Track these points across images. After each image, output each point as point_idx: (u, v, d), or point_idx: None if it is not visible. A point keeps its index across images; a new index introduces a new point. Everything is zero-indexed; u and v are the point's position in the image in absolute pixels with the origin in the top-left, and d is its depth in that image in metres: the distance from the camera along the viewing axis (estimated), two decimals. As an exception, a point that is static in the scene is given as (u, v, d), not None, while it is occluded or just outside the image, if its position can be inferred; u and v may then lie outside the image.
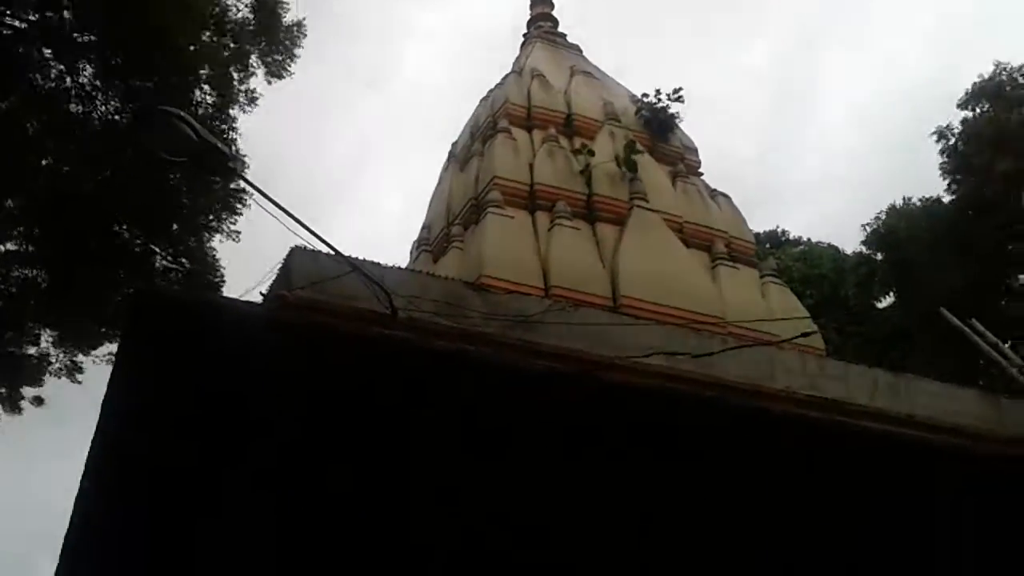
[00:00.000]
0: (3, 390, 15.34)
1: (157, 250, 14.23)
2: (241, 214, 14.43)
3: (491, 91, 12.98)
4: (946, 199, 21.13)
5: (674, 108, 12.16)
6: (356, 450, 6.54)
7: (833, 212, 48.71)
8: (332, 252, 6.94)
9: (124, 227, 13.79)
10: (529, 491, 6.85)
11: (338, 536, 6.47)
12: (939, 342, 19.03)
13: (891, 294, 23.46)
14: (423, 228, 12.14)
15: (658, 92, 12.19)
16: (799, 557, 7.63)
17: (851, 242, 25.33)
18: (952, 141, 20.78)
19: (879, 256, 22.82)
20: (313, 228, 6.75)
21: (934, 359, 19.85)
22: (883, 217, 22.22)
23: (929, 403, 8.72)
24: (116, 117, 13.83)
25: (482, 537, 6.71)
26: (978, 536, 7.64)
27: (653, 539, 7.25)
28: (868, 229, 22.41)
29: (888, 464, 6.78)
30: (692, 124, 12.61)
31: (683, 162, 12.01)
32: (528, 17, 14.79)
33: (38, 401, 15.66)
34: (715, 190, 11.95)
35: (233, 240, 14.70)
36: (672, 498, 7.22)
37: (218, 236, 14.53)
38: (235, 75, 14.83)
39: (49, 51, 13.34)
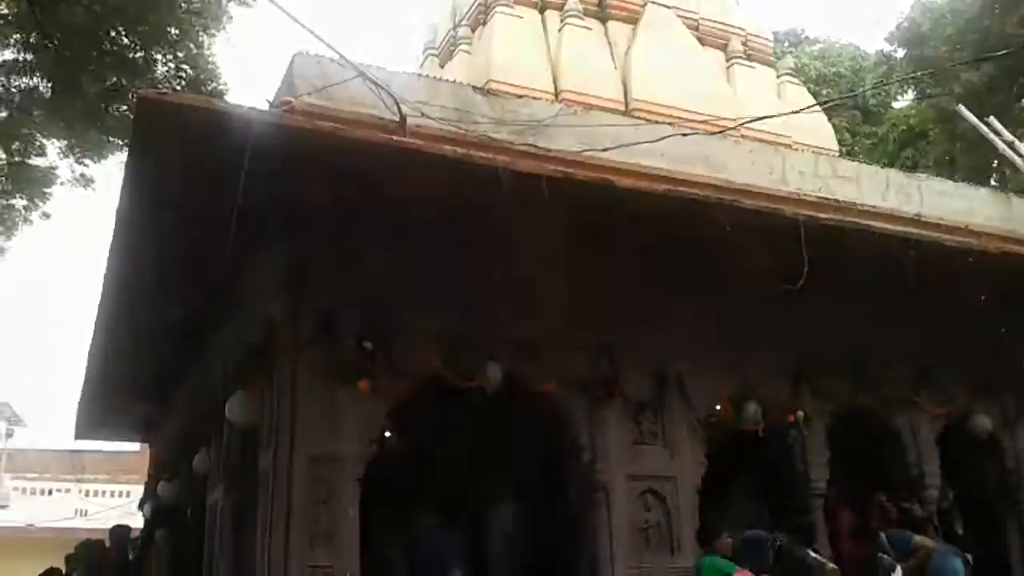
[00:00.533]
0: (16, 201, 15.41)
1: (157, 57, 13.82)
2: (248, 5, 13.83)
3: None
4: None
5: None
6: (365, 259, 6.67)
7: (856, 12, 46.50)
8: (337, 56, 6.75)
9: (121, 31, 13.34)
10: (534, 293, 7.02)
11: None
12: (955, 141, 18.75)
13: (909, 94, 22.87)
14: (428, 30, 11.72)
15: None
16: (810, 352, 7.91)
17: (872, 43, 24.47)
18: (987, -74, 19.56)
19: (900, 54, 22.07)
20: (316, 32, 6.53)
21: (949, 159, 19.63)
22: (907, 12, 21.36)
23: (940, 203, 8.72)
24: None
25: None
26: (983, 331, 7.87)
27: (663, 337, 7.50)
28: (892, 26, 21.60)
29: (898, 263, 6.87)
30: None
31: (701, -47, 11.39)
32: None
33: (45, 216, 15.74)
34: (733, -16, 11.41)
35: (232, 46, 14.25)
36: (683, 298, 7.40)
37: (218, 42, 14.06)
38: None
39: None
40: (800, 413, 7.77)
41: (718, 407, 7.63)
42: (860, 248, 6.73)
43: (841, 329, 8.03)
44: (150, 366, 11.09)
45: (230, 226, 5.95)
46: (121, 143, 13.58)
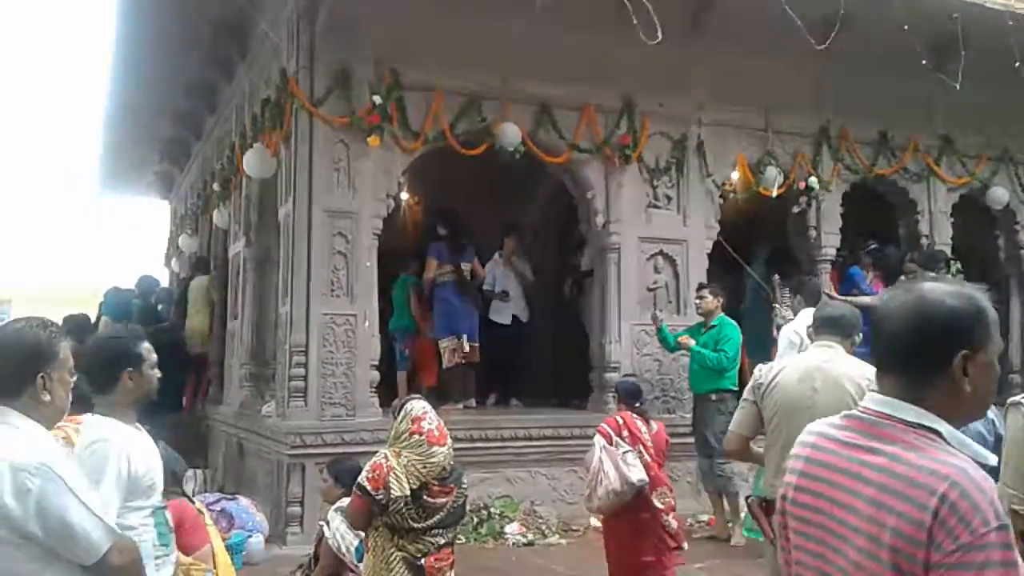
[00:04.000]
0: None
1: None
2: None
3: None
4: None
5: None
6: (383, 13, 6.42)
7: None
8: None
9: None
10: (555, 54, 6.77)
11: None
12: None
13: None
14: None
15: None
16: (835, 119, 7.67)
17: None
18: None
19: None
20: None
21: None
22: None
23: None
24: None
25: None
26: (1010, 103, 7.59)
27: (685, 102, 7.30)
28: None
29: (937, 26, 6.57)
30: None
31: None
32: None
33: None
34: None
35: None
36: (707, 61, 7.11)
37: None
38: None
39: None
40: (815, 180, 7.73)
41: (736, 173, 7.58)
42: (899, 10, 6.36)
43: (868, 97, 7.82)
44: (166, 123, 11.04)
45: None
46: None
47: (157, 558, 2.71)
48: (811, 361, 3.58)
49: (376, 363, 6.46)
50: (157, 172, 13.75)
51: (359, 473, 3.71)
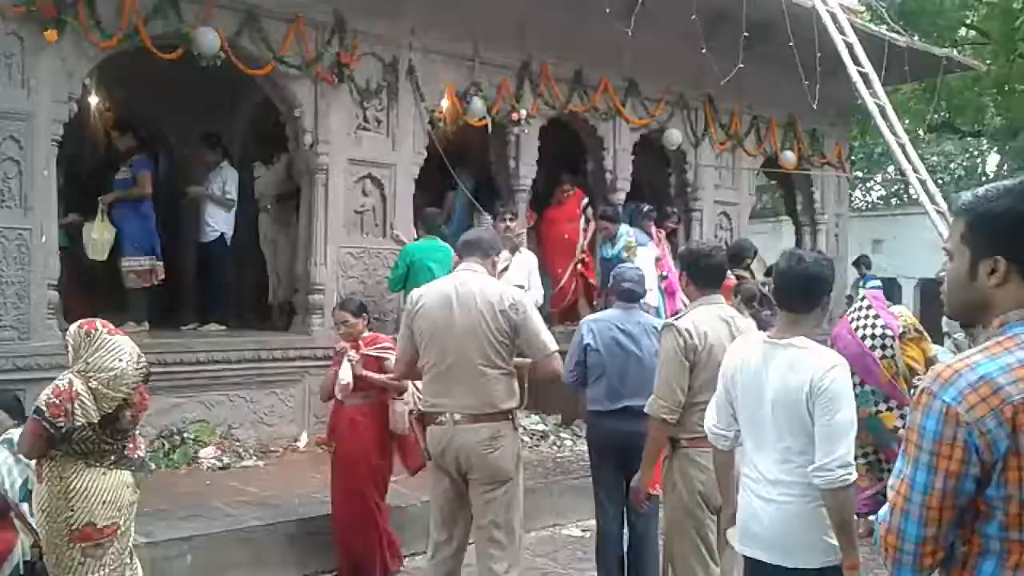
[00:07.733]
0: None
1: None
2: None
3: None
4: None
5: None
6: None
7: None
8: None
9: None
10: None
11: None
12: None
13: None
14: None
15: None
16: (536, 55, 8.01)
17: None
18: None
19: None
20: None
21: None
22: None
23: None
24: None
25: None
26: (686, 52, 8.38)
27: (398, 24, 7.28)
28: None
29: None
30: None
31: None
32: None
33: None
34: None
35: None
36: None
37: None
38: None
39: None
40: (523, 112, 8.09)
41: (445, 101, 7.73)
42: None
43: (566, 36, 8.28)
44: None
45: None
46: None
47: None
48: (448, 285, 3.85)
49: (55, 283, 5.95)
50: None
51: (17, 403, 3.51)
